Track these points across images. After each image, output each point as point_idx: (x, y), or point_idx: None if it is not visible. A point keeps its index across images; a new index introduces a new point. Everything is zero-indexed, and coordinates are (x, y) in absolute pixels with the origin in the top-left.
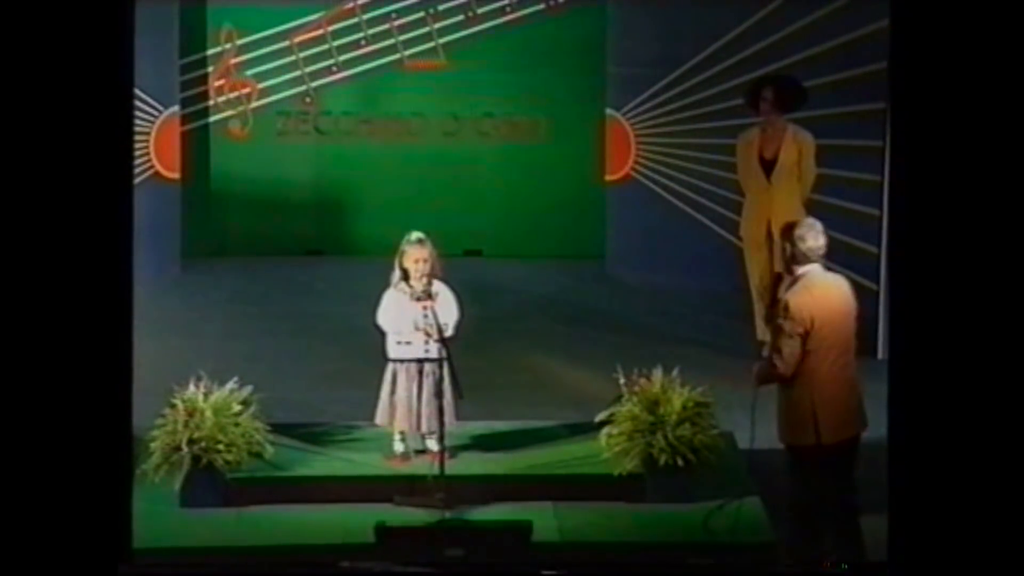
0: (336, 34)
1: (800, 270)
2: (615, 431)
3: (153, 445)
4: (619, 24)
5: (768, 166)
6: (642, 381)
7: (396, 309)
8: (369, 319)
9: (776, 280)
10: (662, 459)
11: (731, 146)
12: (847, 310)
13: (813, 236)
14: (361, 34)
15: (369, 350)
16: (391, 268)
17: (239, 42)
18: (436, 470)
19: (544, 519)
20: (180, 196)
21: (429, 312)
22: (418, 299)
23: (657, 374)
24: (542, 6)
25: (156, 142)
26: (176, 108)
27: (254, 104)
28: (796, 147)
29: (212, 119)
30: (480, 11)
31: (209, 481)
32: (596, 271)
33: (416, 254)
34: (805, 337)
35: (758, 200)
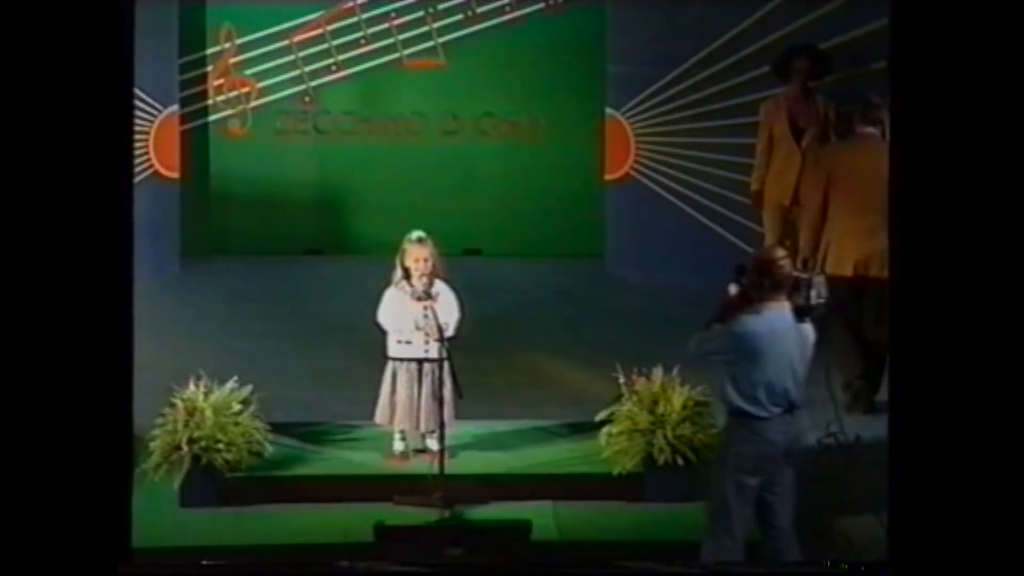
0: (335, 33)
1: (860, 130)
2: (615, 430)
3: (153, 445)
4: (618, 23)
5: (800, 133)
6: (642, 380)
7: (397, 308)
8: (369, 318)
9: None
10: (661, 458)
11: (730, 145)
12: (878, 171)
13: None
14: (360, 33)
15: (369, 349)
16: (391, 267)
17: (238, 41)
18: (435, 469)
19: (543, 518)
20: (179, 195)
21: (429, 312)
22: (419, 299)
23: (657, 373)
24: (541, 6)
25: (155, 141)
26: (175, 107)
27: (253, 103)
28: (828, 114)
29: (211, 118)
30: (479, 11)
31: (209, 481)
32: (596, 270)
33: (417, 253)
34: (825, 184)
35: (786, 165)
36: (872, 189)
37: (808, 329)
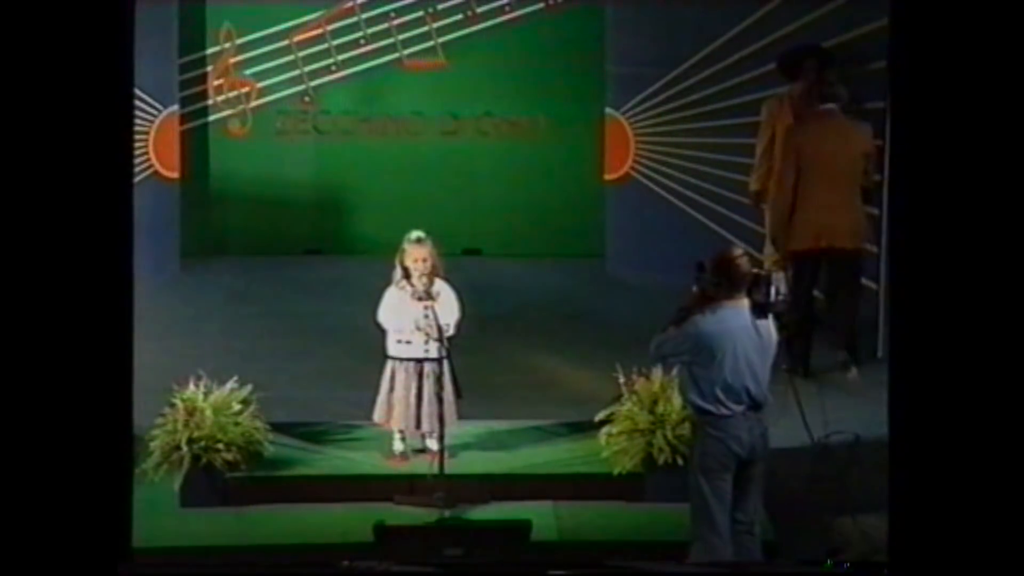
0: (335, 33)
1: (820, 107)
2: (614, 430)
3: (153, 444)
4: (618, 23)
5: None
6: (642, 380)
7: (397, 308)
8: (368, 318)
9: None
10: (661, 458)
11: (731, 145)
12: (844, 147)
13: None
14: (360, 33)
15: (369, 349)
16: (390, 267)
17: (238, 41)
18: (435, 469)
19: (543, 518)
20: (179, 195)
21: (430, 312)
22: (419, 299)
23: (657, 373)
24: (541, 5)
25: (155, 141)
26: (175, 107)
27: (253, 103)
28: None
29: (211, 118)
30: (479, 10)
31: (209, 480)
32: (596, 270)
33: (416, 253)
34: (798, 162)
35: None
36: (839, 163)
37: (769, 327)
